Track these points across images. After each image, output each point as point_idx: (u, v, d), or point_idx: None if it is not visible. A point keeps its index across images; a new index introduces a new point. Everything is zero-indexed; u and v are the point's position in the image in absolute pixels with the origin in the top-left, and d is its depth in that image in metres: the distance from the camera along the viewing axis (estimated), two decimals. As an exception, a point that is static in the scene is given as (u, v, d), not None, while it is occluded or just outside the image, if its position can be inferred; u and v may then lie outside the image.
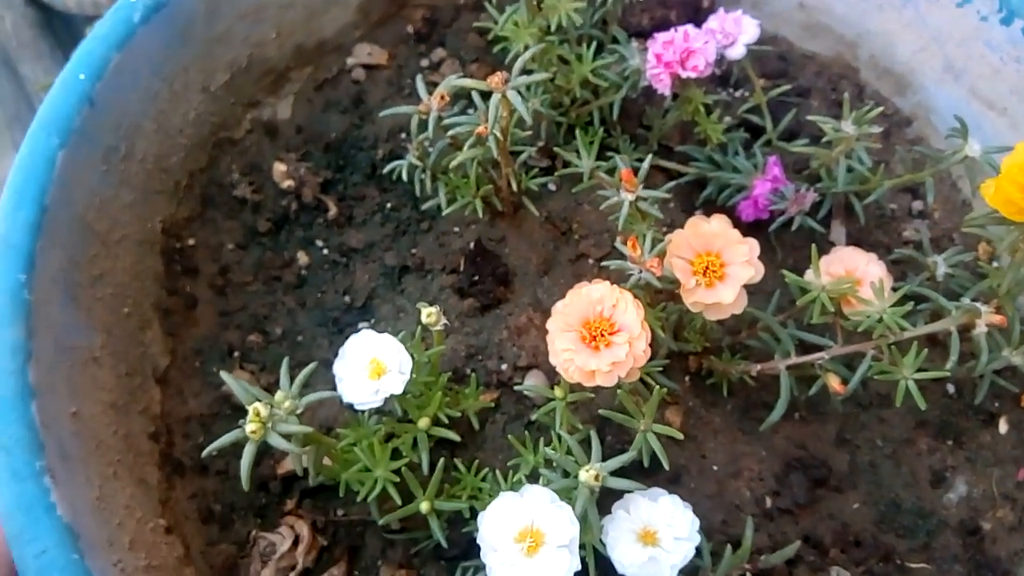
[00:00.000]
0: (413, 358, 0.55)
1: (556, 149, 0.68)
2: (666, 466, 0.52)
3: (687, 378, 0.70)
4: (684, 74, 0.65)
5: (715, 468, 0.67)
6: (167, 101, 0.69)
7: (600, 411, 0.55)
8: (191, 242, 0.74)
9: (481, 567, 0.56)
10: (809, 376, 0.63)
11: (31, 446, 0.49)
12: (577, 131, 0.77)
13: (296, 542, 0.61)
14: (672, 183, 0.70)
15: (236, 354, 0.71)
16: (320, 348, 0.72)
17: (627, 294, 0.54)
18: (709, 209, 0.76)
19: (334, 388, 0.56)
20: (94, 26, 0.62)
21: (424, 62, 0.83)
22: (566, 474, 0.53)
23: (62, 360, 0.56)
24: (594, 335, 0.53)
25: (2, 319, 0.52)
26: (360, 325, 0.73)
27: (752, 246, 0.56)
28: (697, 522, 0.52)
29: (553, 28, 0.67)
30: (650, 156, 0.61)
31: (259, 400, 0.50)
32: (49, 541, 0.47)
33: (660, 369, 0.61)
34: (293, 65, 0.80)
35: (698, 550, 0.53)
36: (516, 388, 0.64)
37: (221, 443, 0.50)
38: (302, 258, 0.76)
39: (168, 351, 0.69)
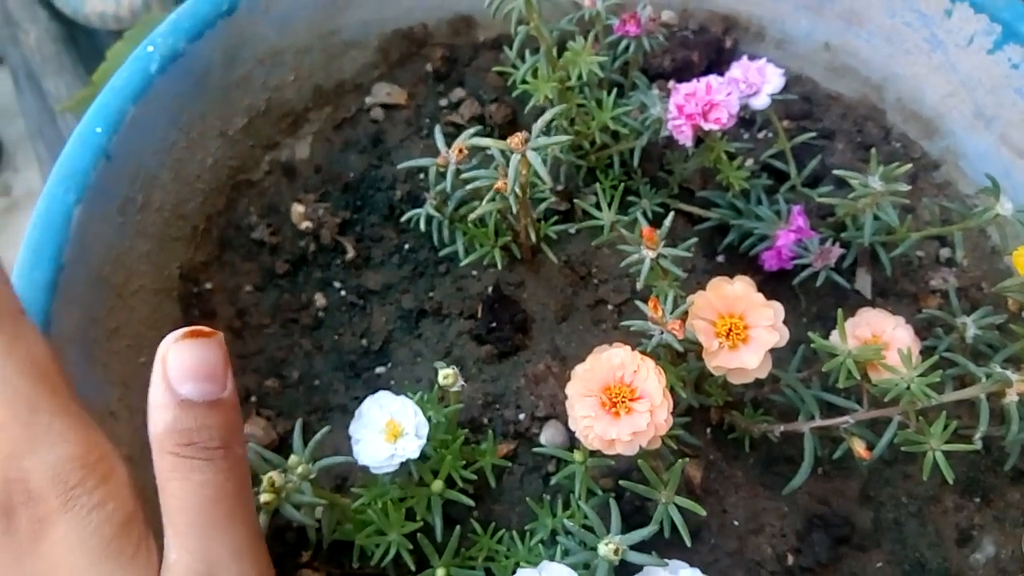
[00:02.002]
0: (430, 420, 0.55)
1: (576, 201, 0.67)
2: (688, 543, 0.51)
3: (708, 431, 0.69)
4: (706, 126, 0.64)
5: (736, 523, 0.66)
6: (184, 149, 0.69)
7: (621, 482, 0.54)
8: (208, 286, 0.74)
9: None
10: (834, 436, 0.61)
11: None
12: (598, 174, 0.76)
13: (310, 601, 0.61)
14: (694, 234, 0.69)
15: (253, 399, 0.71)
16: (337, 393, 0.72)
17: (649, 361, 0.53)
18: (731, 255, 0.75)
19: (350, 436, 0.55)
20: (112, 77, 0.62)
21: (443, 101, 0.83)
22: (583, 543, 0.52)
23: (78, 420, 0.56)
24: (615, 401, 0.52)
25: (18, 384, 0.52)
26: (377, 369, 0.72)
27: (777, 310, 0.55)
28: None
29: (573, 81, 0.66)
30: (671, 214, 0.60)
31: (273, 467, 0.50)
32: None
33: (682, 426, 0.60)
34: (312, 106, 0.80)
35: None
36: (534, 451, 0.63)
37: (236, 510, 0.50)
38: (319, 300, 0.75)
39: (184, 399, 0.69)
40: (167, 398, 0.45)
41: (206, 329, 0.47)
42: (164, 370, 0.45)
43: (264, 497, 0.48)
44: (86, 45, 1.53)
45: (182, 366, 0.45)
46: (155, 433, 0.45)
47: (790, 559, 0.65)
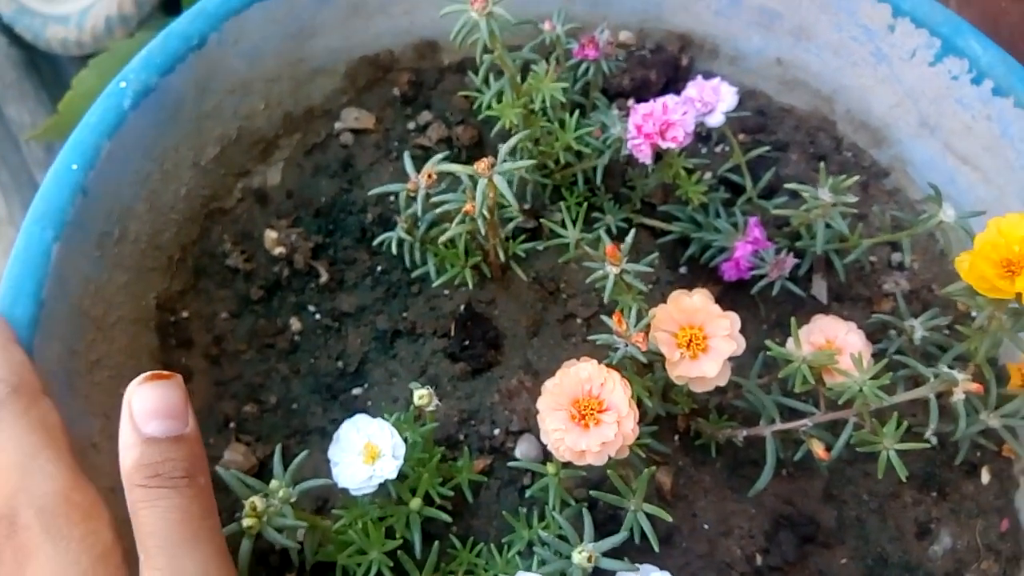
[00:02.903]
0: (406, 440, 0.56)
1: (541, 220, 0.69)
2: (656, 548, 0.54)
3: (676, 438, 0.71)
4: (664, 144, 0.67)
5: (706, 527, 0.68)
6: (158, 181, 0.70)
7: (591, 493, 0.56)
8: (185, 314, 0.75)
9: (478, 644, 0.57)
10: (795, 438, 0.64)
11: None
12: (563, 191, 0.78)
13: (296, 621, 0.62)
14: (656, 247, 0.72)
15: (232, 425, 0.73)
16: (315, 415, 0.73)
17: (614, 374, 0.55)
18: (693, 267, 0.78)
19: (328, 459, 0.57)
20: (85, 115, 0.63)
21: (411, 124, 0.85)
22: (558, 553, 0.54)
23: (62, 452, 0.57)
24: (583, 414, 0.55)
25: (3, 420, 0.53)
26: (354, 391, 0.74)
27: (733, 320, 0.58)
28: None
29: (537, 107, 0.68)
30: (633, 231, 0.63)
31: (255, 492, 0.51)
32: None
33: (650, 435, 0.63)
34: (282, 132, 0.81)
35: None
36: (510, 465, 0.65)
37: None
38: (295, 324, 0.77)
39: (165, 426, 0.70)
40: (133, 437, 0.50)
41: (166, 372, 0.52)
42: (130, 412, 0.50)
43: (247, 522, 0.50)
44: (48, 71, 1.53)
45: (145, 407, 0.50)
46: (125, 470, 0.50)
47: (759, 559, 0.68)
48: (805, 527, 0.68)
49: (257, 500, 0.50)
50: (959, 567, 0.68)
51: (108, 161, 0.64)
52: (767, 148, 0.77)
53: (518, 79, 0.68)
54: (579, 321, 0.76)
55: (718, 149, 0.84)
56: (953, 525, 0.70)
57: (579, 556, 0.51)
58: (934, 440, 0.71)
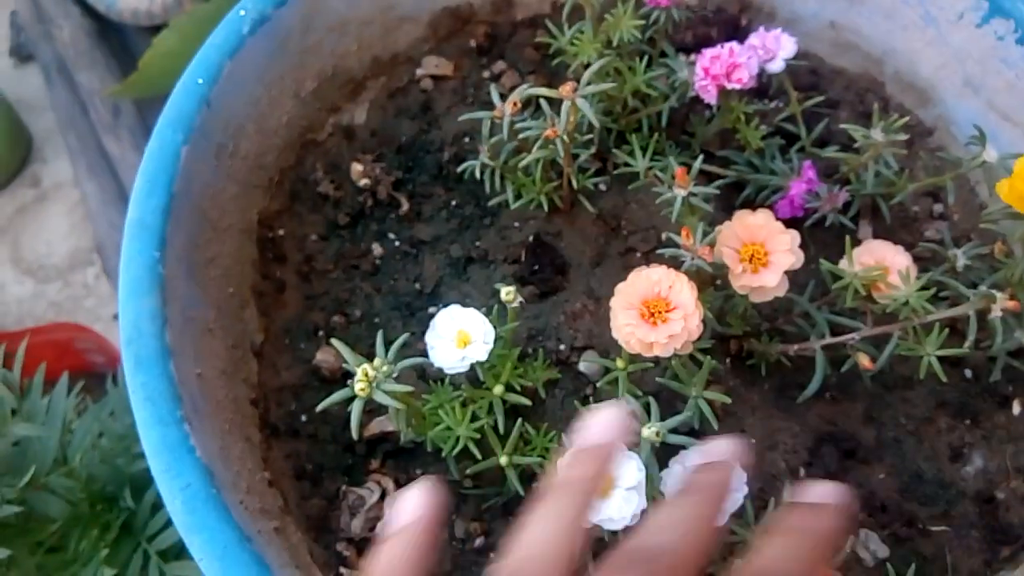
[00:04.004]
0: (495, 329, 0.63)
1: (614, 151, 0.76)
2: (716, 427, 0.60)
3: (728, 360, 0.77)
4: (729, 86, 0.73)
5: (753, 441, 0.74)
6: (266, 105, 0.77)
7: (657, 379, 0.62)
8: (281, 232, 0.82)
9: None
10: (840, 358, 0.70)
11: (172, 397, 0.57)
12: (628, 135, 0.84)
13: (383, 496, 0.69)
14: (719, 181, 0.78)
15: (321, 333, 0.79)
16: (395, 328, 0.80)
17: (683, 276, 0.61)
18: (749, 208, 0.83)
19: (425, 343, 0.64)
20: (209, 36, 0.71)
21: (486, 73, 0.91)
22: (628, 433, 0.60)
23: (188, 328, 0.64)
24: (653, 312, 0.61)
25: (144, 289, 0.61)
26: (430, 309, 0.80)
27: (793, 236, 0.64)
28: (744, 475, 0.59)
29: (615, 43, 0.74)
30: (700, 157, 0.69)
31: (366, 364, 0.58)
32: (192, 477, 0.55)
33: (706, 348, 0.68)
34: (370, 75, 0.88)
35: (742, 507, 0.61)
36: (579, 367, 0.72)
37: (332, 401, 0.59)
38: (377, 249, 0.83)
39: (262, 329, 0.77)
40: None
41: None
42: None
43: (359, 386, 0.57)
44: (116, 41, 1.61)
45: None
46: None
47: (802, 472, 0.73)
48: (846, 444, 0.74)
49: (368, 366, 0.57)
50: (989, 486, 0.73)
51: (228, 80, 0.71)
52: (821, 99, 0.83)
53: (597, 20, 0.74)
54: (639, 255, 0.82)
55: (773, 104, 0.90)
56: (984, 449, 0.75)
57: (648, 431, 0.57)
58: (968, 372, 0.77)
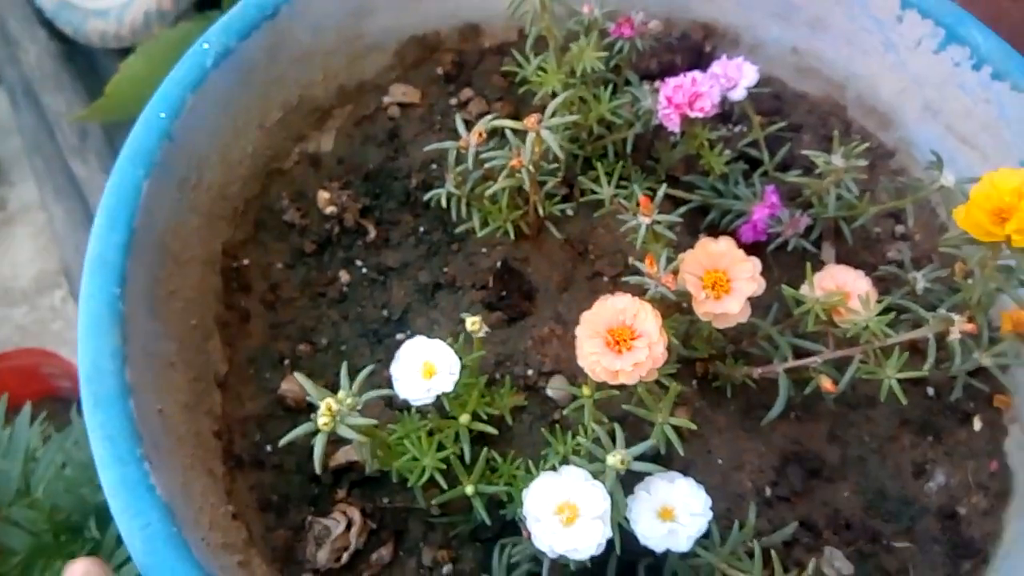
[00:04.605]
0: (460, 359, 0.63)
1: (579, 178, 0.76)
2: (681, 452, 0.60)
3: (695, 382, 0.78)
4: (692, 114, 0.74)
5: (720, 462, 0.75)
6: (230, 136, 0.77)
7: (624, 407, 0.63)
8: (245, 262, 0.82)
9: (517, 543, 0.64)
10: (803, 379, 0.71)
11: (132, 436, 0.57)
12: (594, 162, 0.85)
13: (349, 526, 0.68)
14: (681, 209, 0.78)
15: (287, 362, 0.79)
16: (363, 356, 0.80)
17: (647, 305, 0.61)
18: (712, 233, 0.84)
19: (378, 390, 0.63)
20: (172, 70, 0.70)
21: (453, 100, 0.92)
22: (592, 459, 0.60)
23: (148, 364, 0.64)
24: (618, 340, 0.61)
25: (104, 327, 0.60)
26: (398, 336, 0.80)
27: (755, 264, 0.65)
28: (709, 500, 0.59)
29: (578, 74, 0.75)
30: (664, 185, 0.70)
31: (330, 398, 0.58)
32: (152, 516, 0.54)
33: (671, 373, 0.69)
34: (336, 103, 0.89)
35: (707, 529, 0.61)
36: (546, 392, 0.72)
37: (295, 435, 0.58)
38: (344, 276, 0.83)
39: (226, 359, 0.77)
40: None
41: None
42: None
43: (322, 420, 0.56)
44: (83, 63, 1.60)
45: None
46: None
47: (768, 491, 0.74)
48: (811, 463, 0.75)
49: (332, 400, 0.56)
50: (952, 501, 0.74)
51: (191, 113, 0.71)
52: (784, 124, 0.84)
53: (560, 50, 0.75)
54: (606, 279, 0.82)
55: (737, 129, 0.91)
56: (947, 465, 0.76)
57: (613, 459, 0.57)
58: (930, 390, 0.78)
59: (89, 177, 1.49)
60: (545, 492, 0.56)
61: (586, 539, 0.54)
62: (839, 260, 0.83)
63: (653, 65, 0.91)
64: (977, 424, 0.77)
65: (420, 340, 0.63)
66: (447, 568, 0.69)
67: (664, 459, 0.62)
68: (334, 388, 0.64)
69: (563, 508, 0.55)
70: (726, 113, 0.90)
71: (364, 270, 0.84)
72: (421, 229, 0.85)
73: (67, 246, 1.49)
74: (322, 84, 0.86)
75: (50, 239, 1.69)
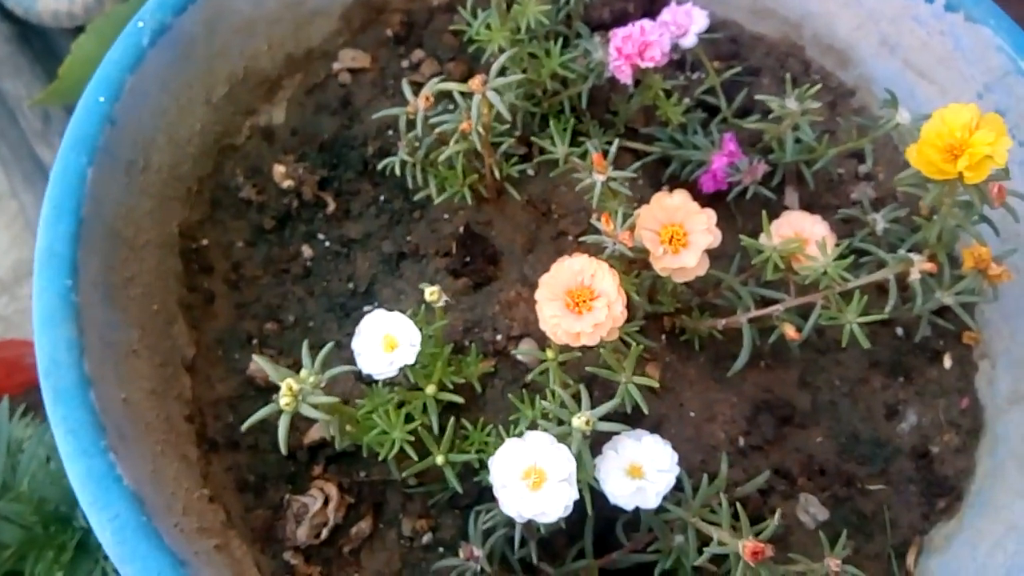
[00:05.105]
0: (420, 331, 0.63)
1: (533, 139, 0.75)
2: (646, 411, 0.60)
3: (663, 336, 0.78)
4: (643, 64, 0.73)
5: (692, 414, 0.75)
6: (176, 115, 0.76)
7: (587, 368, 0.63)
8: (204, 242, 0.81)
9: (492, 509, 0.64)
10: (769, 327, 0.71)
11: (95, 427, 0.57)
12: (551, 119, 0.84)
13: (326, 502, 0.69)
14: (639, 163, 0.77)
15: (255, 341, 0.78)
16: (330, 331, 0.79)
17: (604, 264, 0.61)
18: (674, 184, 0.84)
19: (348, 365, 0.63)
20: (108, 51, 0.69)
21: (404, 63, 0.90)
22: (560, 423, 0.60)
23: (108, 354, 0.63)
24: (577, 302, 0.61)
25: (58, 320, 0.59)
26: (365, 308, 0.80)
27: (710, 215, 0.64)
28: (676, 456, 0.60)
29: (523, 30, 0.74)
30: (617, 140, 0.69)
31: (290, 377, 0.57)
32: (120, 507, 0.54)
33: (637, 329, 0.69)
34: (285, 73, 0.87)
35: (679, 483, 0.62)
36: (512, 354, 0.72)
37: (258, 417, 0.58)
38: (306, 251, 0.82)
39: (193, 342, 0.76)
40: None
41: None
42: None
43: (283, 400, 0.56)
44: (40, 45, 1.56)
45: None
46: None
47: (741, 441, 0.74)
48: (783, 410, 0.75)
49: (292, 380, 0.56)
50: (924, 441, 0.75)
51: (131, 94, 0.69)
52: (739, 70, 0.83)
53: (504, 6, 0.73)
54: (570, 238, 0.82)
55: (694, 76, 0.90)
56: (918, 405, 0.77)
57: (578, 421, 0.58)
58: (899, 330, 0.79)
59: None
60: (511, 458, 0.56)
61: (553, 502, 0.54)
62: (802, 204, 0.83)
63: (605, 15, 0.89)
64: (947, 362, 0.78)
65: (380, 313, 0.63)
66: (427, 537, 0.70)
67: (635, 417, 0.62)
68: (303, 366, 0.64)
69: (529, 472, 0.55)
70: (681, 60, 0.89)
71: (327, 243, 0.83)
72: (381, 198, 0.84)
73: (41, 234, 1.47)
74: (268, 54, 0.84)
75: (23, 227, 1.66)
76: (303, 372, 0.59)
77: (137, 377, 0.66)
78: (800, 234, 0.67)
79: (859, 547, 0.72)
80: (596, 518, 0.64)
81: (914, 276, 0.64)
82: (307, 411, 0.56)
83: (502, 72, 0.66)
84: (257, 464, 0.73)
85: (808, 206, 0.83)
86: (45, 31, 1.55)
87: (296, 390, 0.56)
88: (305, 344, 0.62)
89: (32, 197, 1.50)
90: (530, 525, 0.59)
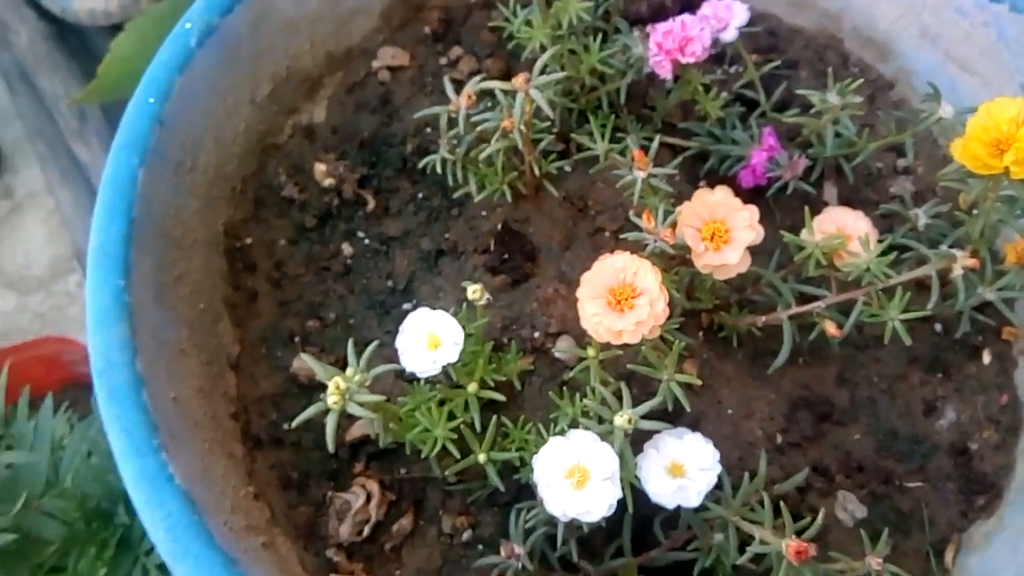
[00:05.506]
0: (463, 329, 0.63)
1: (572, 135, 0.75)
2: (688, 408, 0.61)
3: (700, 333, 0.78)
4: (683, 60, 0.73)
5: (730, 411, 0.75)
6: (222, 115, 0.77)
7: (629, 366, 0.63)
8: (248, 241, 0.82)
9: (532, 507, 0.65)
10: (809, 324, 0.71)
11: (148, 427, 0.58)
12: (588, 115, 0.84)
13: (368, 499, 0.70)
14: (678, 158, 0.77)
15: (297, 339, 0.80)
16: (370, 328, 0.80)
17: (646, 262, 0.61)
18: (712, 179, 0.84)
19: (388, 363, 0.64)
20: (157, 53, 0.70)
21: (443, 60, 0.91)
22: (600, 421, 0.61)
23: (159, 353, 0.64)
24: (619, 300, 0.61)
25: (111, 319, 0.61)
26: (404, 306, 0.81)
27: (752, 212, 0.64)
28: (717, 454, 0.60)
29: (564, 26, 0.74)
30: (657, 137, 0.69)
31: (338, 376, 0.58)
32: (173, 506, 0.56)
33: (676, 327, 0.69)
34: (326, 72, 0.88)
35: (719, 481, 0.62)
36: (552, 352, 0.72)
37: (306, 415, 0.59)
38: (347, 249, 0.83)
39: (238, 340, 0.78)
40: None
41: None
42: None
43: (331, 399, 0.57)
44: (76, 43, 1.58)
45: None
46: None
47: (779, 438, 0.75)
48: (821, 407, 0.75)
49: (340, 379, 0.57)
50: (963, 437, 0.75)
51: (180, 95, 0.70)
52: (778, 64, 0.83)
53: (544, 3, 0.74)
54: (607, 235, 0.82)
55: (732, 70, 0.89)
56: (957, 401, 0.76)
57: (620, 419, 0.58)
58: (937, 326, 0.78)
59: (92, 160, 1.49)
60: (555, 456, 0.57)
61: (598, 501, 0.55)
62: (841, 199, 0.82)
63: (643, 9, 0.89)
64: (986, 357, 0.77)
65: (423, 312, 0.64)
66: (467, 534, 0.70)
67: (674, 414, 0.63)
68: (345, 363, 0.65)
69: (573, 471, 0.56)
70: (720, 54, 0.88)
71: (366, 241, 0.84)
72: (420, 195, 0.85)
73: (77, 230, 1.50)
74: (310, 53, 0.85)
75: (60, 224, 1.69)
76: (349, 371, 0.60)
77: (186, 375, 0.67)
78: (842, 230, 0.67)
79: (897, 544, 0.72)
80: (634, 515, 0.65)
81: (957, 272, 0.64)
82: (354, 409, 0.58)
83: (543, 70, 0.66)
84: (300, 461, 0.74)
85: (847, 200, 0.83)
86: (81, 29, 1.57)
87: (344, 389, 0.58)
88: (350, 344, 0.63)
89: (68, 194, 1.53)
90: (572, 523, 0.59)
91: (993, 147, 0.58)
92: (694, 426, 0.73)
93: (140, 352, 0.62)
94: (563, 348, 0.72)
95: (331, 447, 0.58)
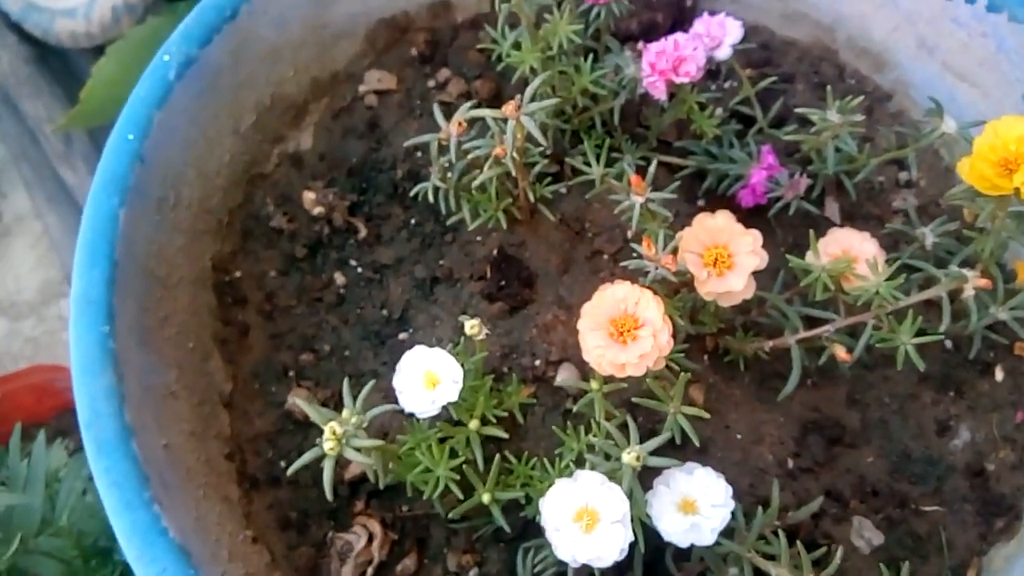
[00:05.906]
0: (461, 367, 0.61)
1: (566, 158, 0.74)
2: (696, 443, 0.59)
3: (706, 357, 0.76)
4: (678, 80, 0.71)
5: (739, 437, 0.73)
6: (204, 148, 0.75)
7: (633, 399, 0.61)
8: (237, 274, 0.80)
9: (541, 546, 0.63)
10: (817, 347, 0.69)
11: (139, 479, 0.56)
12: (582, 136, 0.82)
13: (370, 539, 0.68)
14: (676, 180, 0.76)
15: (291, 373, 0.77)
16: (366, 360, 0.78)
17: (648, 292, 0.59)
18: (711, 198, 0.82)
19: (384, 397, 0.62)
20: (135, 88, 0.68)
21: (431, 82, 0.89)
22: (607, 457, 0.59)
23: (147, 399, 0.62)
24: (621, 331, 0.59)
25: (97, 369, 0.59)
26: (400, 335, 0.78)
27: (756, 237, 0.62)
28: (730, 489, 0.58)
29: (555, 49, 0.72)
30: (655, 160, 0.67)
31: (333, 420, 0.56)
32: (167, 561, 0.54)
33: (681, 352, 0.67)
34: (311, 98, 0.86)
35: (732, 513, 0.60)
36: (555, 383, 0.70)
37: (303, 462, 0.57)
38: (339, 278, 0.81)
39: (230, 377, 0.75)
40: None
41: None
42: None
43: (327, 445, 0.55)
44: (58, 65, 1.56)
45: None
46: None
47: (790, 463, 0.73)
48: (832, 430, 0.73)
49: (335, 424, 0.55)
50: (978, 458, 0.73)
51: (160, 130, 0.68)
52: (774, 79, 0.81)
53: (533, 25, 0.72)
54: (606, 257, 0.80)
55: (727, 85, 0.88)
56: (971, 420, 0.74)
57: (628, 456, 0.56)
58: (948, 343, 0.76)
59: (79, 183, 1.47)
60: (562, 500, 0.55)
61: (608, 545, 0.53)
62: (843, 215, 0.81)
63: (633, 26, 0.87)
64: (999, 374, 0.75)
65: (420, 350, 0.62)
66: (473, 572, 0.68)
67: (681, 450, 0.61)
68: (341, 397, 0.63)
69: (582, 515, 0.54)
70: (714, 70, 0.87)
71: (359, 270, 0.82)
72: (412, 221, 0.83)
73: (66, 253, 1.48)
74: (294, 79, 0.83)
75: (49, 248, 1.67)
76: (344, 412, 0.58)
77: (176, 420, 0.65)
78: (848, 252, 0.65)
79: (915, 569, 0.70)
80: (645, 547, 0.63)
81: (968, 293, 0.62)
82: (351, 455, 0.55)
83: (534, 96, 0.64)
84: (299, 500, 0.72)
85: (849, 216, 0.81)
86: (63, 52, 1.55)
87: (340, 433, 0.55)
88: (346, 382, 0.61)
89: (56, 218, 1.51)
90: (582, 569, 0.57)
91: (1001, 167, 0.56)
92: (702, 452, 0.72)
93: (128, 400, 0.59)
94: (566, 381, 0.70)
95: (328, 494, 0.55)
